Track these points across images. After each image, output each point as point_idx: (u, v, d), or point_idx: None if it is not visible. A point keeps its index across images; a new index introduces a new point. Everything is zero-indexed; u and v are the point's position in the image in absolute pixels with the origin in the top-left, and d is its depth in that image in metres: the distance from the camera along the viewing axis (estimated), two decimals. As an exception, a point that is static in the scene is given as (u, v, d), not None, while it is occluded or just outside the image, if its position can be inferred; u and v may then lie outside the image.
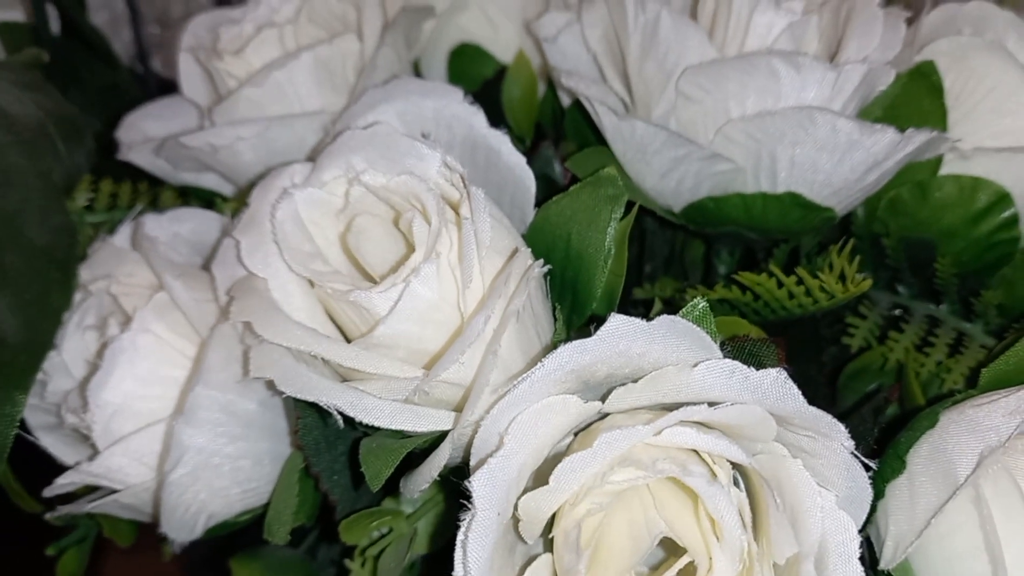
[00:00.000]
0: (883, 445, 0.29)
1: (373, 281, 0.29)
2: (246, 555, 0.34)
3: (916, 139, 0.32)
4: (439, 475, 0.27)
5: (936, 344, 0.35)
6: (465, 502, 0.23)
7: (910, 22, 0.35)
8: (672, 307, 0.27)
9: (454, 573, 0.23)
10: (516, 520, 0.24)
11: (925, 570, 0.27)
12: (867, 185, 0.34)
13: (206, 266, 0.34)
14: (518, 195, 0.32)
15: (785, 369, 0.23)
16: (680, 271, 0.43)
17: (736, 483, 0.26)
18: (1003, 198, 0.35)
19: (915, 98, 0.36)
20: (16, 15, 0.50)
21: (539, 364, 0.24)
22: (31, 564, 0.41)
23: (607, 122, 0.35)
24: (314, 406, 0.28)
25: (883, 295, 0.39)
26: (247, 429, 0.32)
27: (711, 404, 0.24)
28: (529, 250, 0.30)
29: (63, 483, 0.33)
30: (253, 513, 0.34)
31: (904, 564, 0.27)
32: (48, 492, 0.34)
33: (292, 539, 0.31)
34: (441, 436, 0.27)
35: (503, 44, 0.45)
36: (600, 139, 0.37)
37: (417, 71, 0.46)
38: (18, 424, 0.32)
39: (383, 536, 0.32)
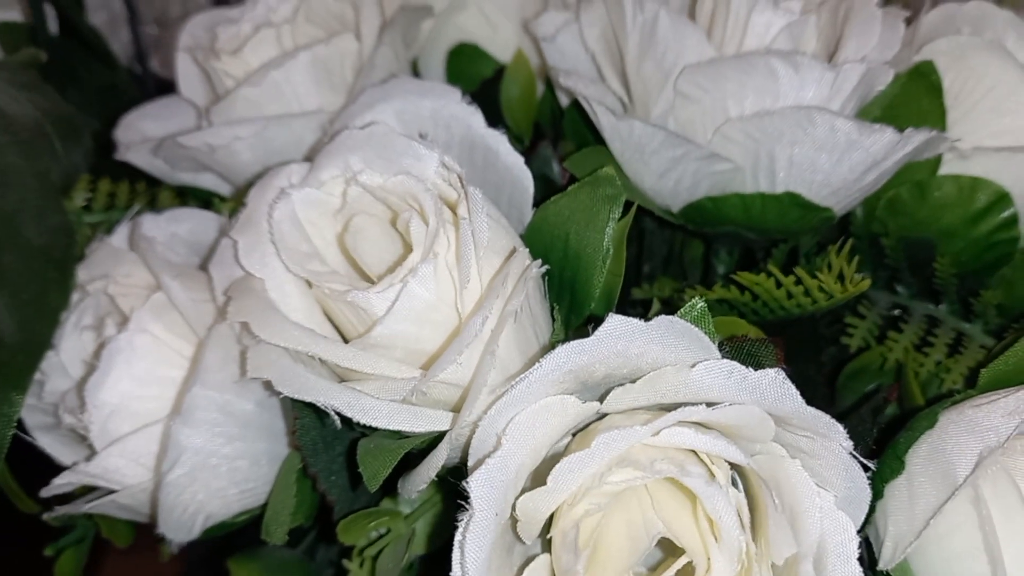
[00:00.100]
0: (882, 445, 0.29)
1: (371, 281, 0.29)
2: (244, 555, 0.34)
3: (915, 139, 0.32)
4: (437, 475, 0.27)
5: (935, 344, 0.35)
6: (463, 502, 0.23)
7: (909, 21, 0.35)
8: (670, 307, 0.27)
9: (452, 573, 0.23)
10: (514, 520, 0.24)
11: (924, 570, 0.27)
12: (866, 185, 0.34)
13: (203, 266, 0.34)
14: (516, 195, 0.32)
15: (783, 369, 0.23)
16: (679, 271, 0.42)
17: (734, 483, 0.26)
18: (1002, 198, 0.35)
19: (914, 98, 0.36)
20: (14, 15, 0.50)
21: (537, 364, 0.24)
22: (29, 564, 0.41)
23: (605, 122, 0.35)
24: (312, 406, 0.28)
25: (882, 295, 0.39)
26: (244, 429, 0.32)
27: (709, 404, 0.24)
28: (527, 250, 0.30)
29: (61, 483, 0.33)
30: (251, 513, 0.34)
31: (903, 564, 0.27)
32: (46, 492, 0.34)
33: (290, 539, 0.31)
34: (439, 436, 0.27)
35: (501, 44, 0.45)
36: (598, 139, 0.37)
37: (415, 71, 0.46)
38: (15, 424, 0.32)
39: (381, 536, 0.32)
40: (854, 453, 0.24)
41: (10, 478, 0.36)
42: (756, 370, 0.23)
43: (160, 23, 0.64)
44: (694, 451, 0.24)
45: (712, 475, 0.24)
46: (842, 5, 0.34)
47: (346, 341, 0.29)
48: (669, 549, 0.26)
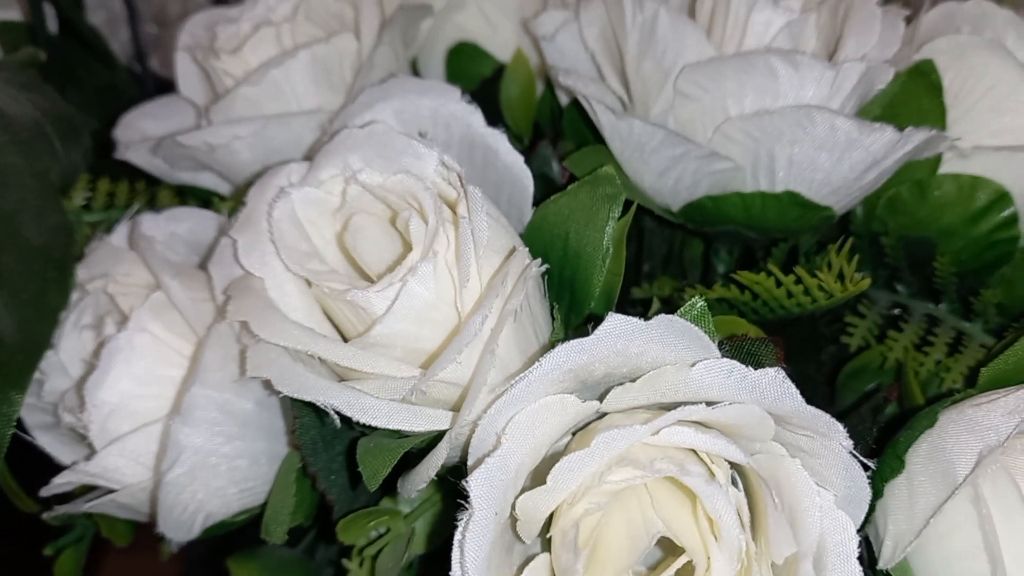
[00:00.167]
0: (882, 444, 0.29)
1: (370, 280, 0.29)
2: (244, 555, 0.34)
3: (915, 138, 0.32)
4: (436, 475, 0.27)
5: (935, 343, 0.35)
6: (463, 502, 0.23)
7: (909, 20, 0.35)
8: (670, 306, 0.27)
9: (452, 573, 0.23)
10: (514, 520, 0.24)
11: (924, 569, 0.27)
12: (866, 184, 0.34)
13: (203, 265, 0.34)
14: (516, 194, 0.32)
15: (783, 368, 0.23)
16: (679, 270, 0.42)
17: (734, 483, 0.26)
18: (1002, 197, 0.35)
19: (914, 96, 0.36)
20: (13, 14, 0.50)
21: (537, 363, 0.24)
22: (29, 564, 0.41)
23: (605, 121, 0.35)
24: (311, 405, 0.28)
25: (882, 294, 0.39)
26: (244, 428, 0.32)
27: (709, 403, 0.24)
28: (527, 249, 0.30)
29: (60, 483, 0.33)
30: (251, 513, 0.34)
31: (903, 563, 0.27)
32: (45, 492, 0.34)
33: (290, 539, 0.31)
34: (438, 436, 0.27)
35: (501, 43, 0.45)
36: (598, 138, 0.37)
37: (415, 70, 0.46)
38: (15, 423, 0.32)
39: (381, 536, 0.32)
40: (854, 452, 0.24)
41: (10, 477, 0.36)
42: (756, 369, 0.23)
43: (159, 22, 0.64)
44: (694, 450, 0.24)
45: (712, 474, 0.24)
46: (842, 4, 0.34)
47: (346, 340, 0.29)
48: (669, 548, 0.26)
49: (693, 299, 0.26)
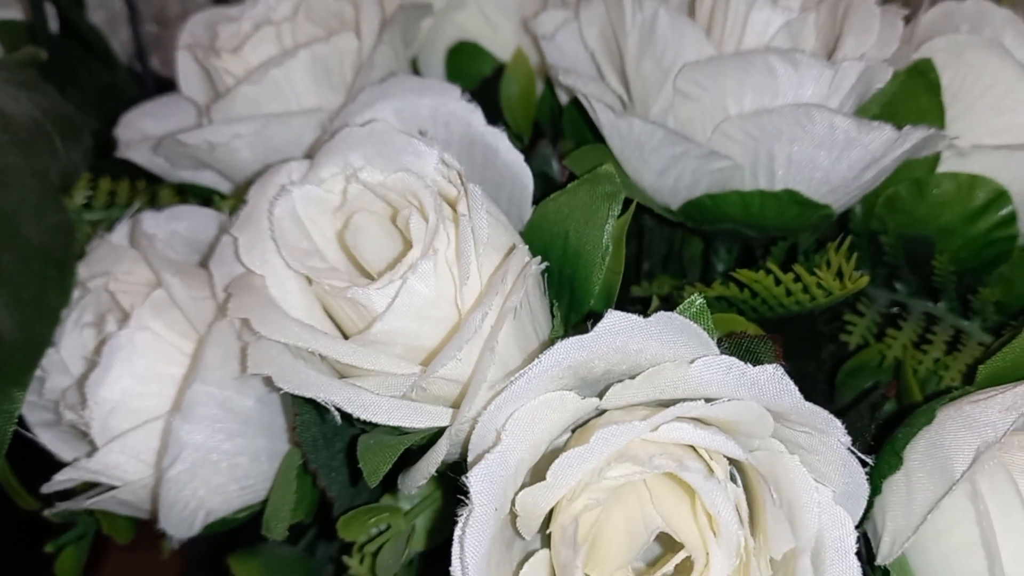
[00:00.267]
0: (880, 441, 0.29)
1: (371, 278, 0.29)
2: (245, 552, 0.34)
3: (914, 136, 0.32)
4: (437, 471, 0.27)
5: (934, 341, 0.35)
6: (463, 498, 0.23)
7: (908, 19, 0.35)
8: (670, 304, 0.27)
9: (452, 569, 0.23)
10: (513, 516, 0.24)
11: (922, 565, 0.27)
12: (865, 182, 0.34)
13: (204, 263, 0.34)
14: (516, 192, 0.32)
15: (782, 365, 0.23)
16: (678, 268, 0.43)
17: (733, 479, 0.26)
18: (1001, 195, 0.35)
19: (913, 95, 0.36)
20: (14, 13, 0.50)
21: (536, 360, 0.24)
22: (30, 561, 0.41)
23: (605, 120, 0.35)
24: (312, 402, 0.28)
25: (881, 292, 0.39)
26: (245, 426, 0.32)
27: (708, 400, 0.24)
28: (527, 247, 0.30)
29: (61, 480, 0.33)
30: (251, 510, 0.35)
31: (901, 559, 0.27)
32: (46, 489, 0.34)
33: (290, 536, 0.31)
34: (438, 432, 0.27)
35: (501, 42, 0.45)
36: (598, 137, 0.37)
37: (415, 69, 0.46)
38: (16, 421, 0.32)
39: (381, 532, 0.32)
40: (852, 449, 0.24)
41: (11, 475, 0.36)
42: (755, 366, 0.23)
43: (160, 21, 0.64)
44: (693, 447, 0.25)
45: (711, 470, 0.24)
46: (841, 3, 0.34)
47: (346, 338, 0.29)
48: (668, 544, 0.26)
49: (692, 296, 0.26)
